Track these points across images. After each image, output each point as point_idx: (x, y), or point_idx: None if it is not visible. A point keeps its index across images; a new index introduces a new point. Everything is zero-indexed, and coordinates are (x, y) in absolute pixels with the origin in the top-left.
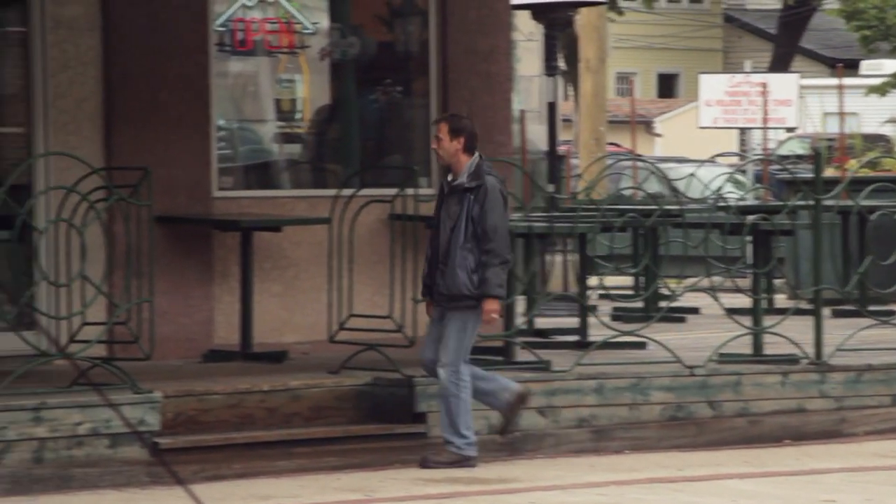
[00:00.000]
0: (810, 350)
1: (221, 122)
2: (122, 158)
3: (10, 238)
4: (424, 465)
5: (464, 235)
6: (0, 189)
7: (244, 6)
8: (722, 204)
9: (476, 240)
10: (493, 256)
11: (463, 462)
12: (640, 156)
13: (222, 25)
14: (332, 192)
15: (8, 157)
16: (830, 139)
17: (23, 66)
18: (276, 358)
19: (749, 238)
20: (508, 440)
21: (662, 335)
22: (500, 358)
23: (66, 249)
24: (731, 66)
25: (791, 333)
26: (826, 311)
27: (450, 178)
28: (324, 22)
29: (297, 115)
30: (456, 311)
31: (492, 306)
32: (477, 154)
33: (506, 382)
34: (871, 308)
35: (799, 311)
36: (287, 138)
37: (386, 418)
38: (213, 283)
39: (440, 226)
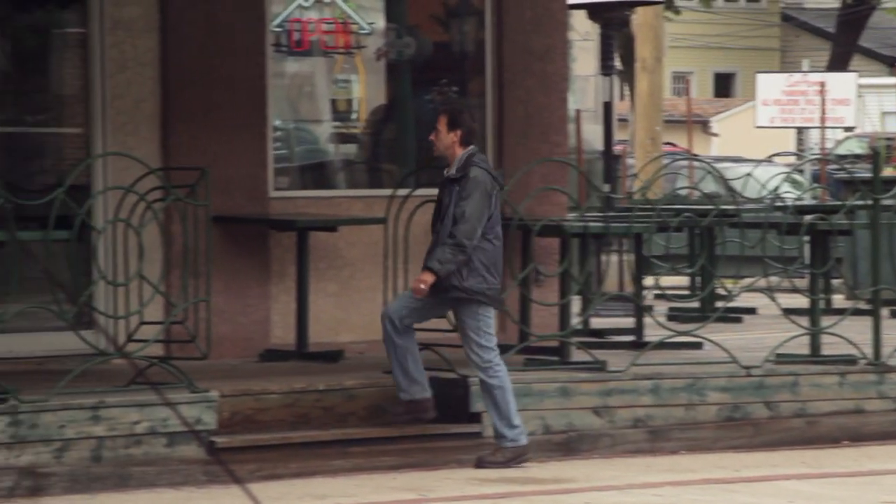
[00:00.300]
0: (868, 351)
1: (278, 123)
2: (179, 159)
3: (70, 238)
4: (481, 465)
5: (451, 227)
6: (59, 189)
7: (301, 7)
8: (779, 204)
9: None
10: (451, 237)
11: (520, 455)
12: (696, 155)
13: (279, 26)
14: (387, 191)
15: (67, 157)
16: (889, 138)
17: (82, 66)
18: (331, 357)
19: (806, 238)
20: (563, 440)
21: (719, 335)
22: (555, 358)
23: (124, 249)
24: (788, 66)
25: (849, 334)
26: (884, 312)
27: (445, 170)
28: (380, 22)
29: (353, 116)
30: (460, 306)
31: (424, 277)
32: (471, 147)
33: (423, 384)
34: None
35: (857, 312)
36: (343, 138)
37: (441, 418)
38: (269, 283)
39: (434, 217)
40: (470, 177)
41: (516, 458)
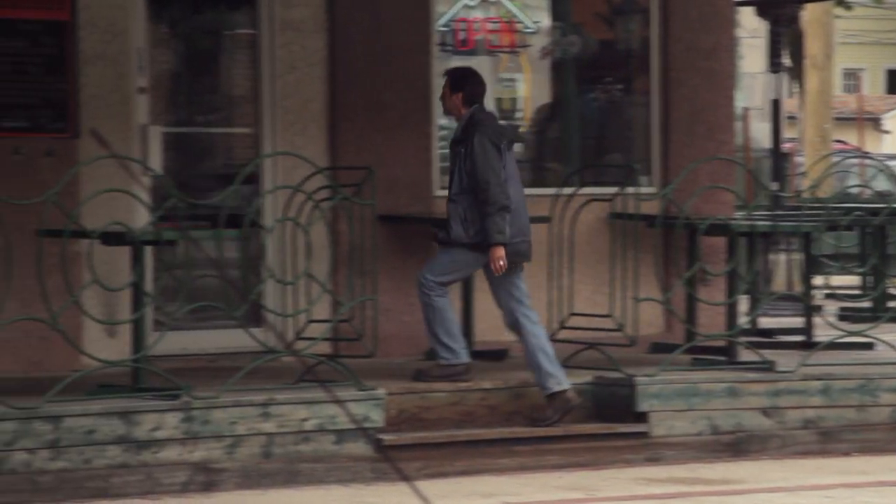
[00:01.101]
0: None
1: (443, 122)
2: (345, 158)
3: (239, 236)
4: (417, 378)
5: (457, 187)
6: (229, 188)
7: (466, 6)
8: None
9: (467, 192)
10: (488, 205)
11: (456, 374)
12: (867, 153)
13: (444, 25)
14: (552, 190)
15: (237, 157)
16: None
17: (252, 67)
18: (497, 356)
19: None
20: (731, 440)
21: (891, 336)
22: (722, 358)
23: (293, 248)
24: None
25: None
26: None
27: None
28: (545, 21)
29: (518, 114)
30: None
31: (496, 253)
32: (475, 106)
33: (559, 376)
34: None
35: None
36: None
37: (607, 417)
38: None
39: (450, 183)
40: (474, 141)
41: (451, 375)
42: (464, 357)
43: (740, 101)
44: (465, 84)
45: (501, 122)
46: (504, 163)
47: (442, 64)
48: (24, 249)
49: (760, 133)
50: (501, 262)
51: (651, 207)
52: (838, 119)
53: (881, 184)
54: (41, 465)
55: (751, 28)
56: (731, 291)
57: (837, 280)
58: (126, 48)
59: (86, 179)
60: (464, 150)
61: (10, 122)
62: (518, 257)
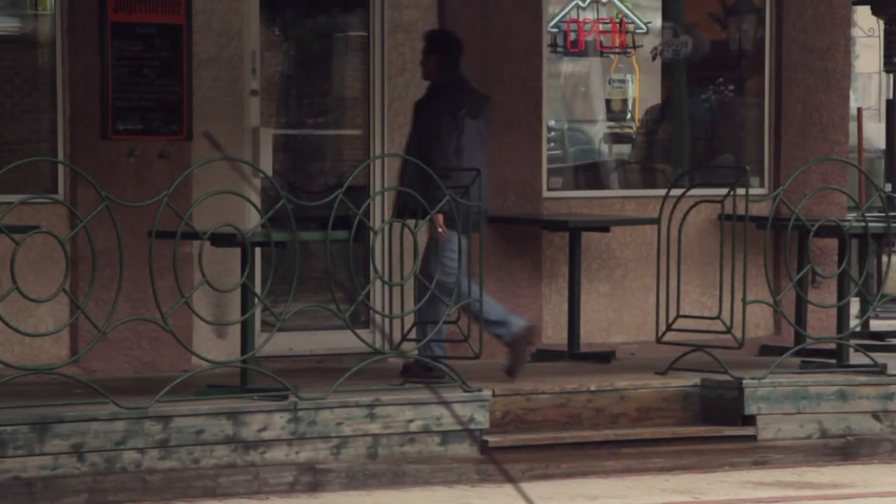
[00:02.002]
0: None
1: (552, 123)
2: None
3: (348, 238)
4: (510, 373)
5: (414, 151)
6: (338, 190)
7: (578, 6)
8: None
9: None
10: (429, 173)
11: (524, 337)
12: None
13: (555, 27)
14: (661, 192)
15: (347, 158)
16: None
17: (362, 69)
18: (603, 358)
19: None
20: (840, 444)
21: None
22: (832, 361)
23: (400, 249)
24: None
25: None
26: None
27: None
28: (656, 21)
29: (628, 115)
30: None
31: (438, 220)
32: (453, 75)
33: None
34: None
35: None
36: (617, 138)
37: (714, 420)
38: (541, 283)
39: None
40: (433, 104)
41: (520, 341)
42: (517, 323)
43: (855, 101)
44: (441, 48)
45: (475, 92)
46: (459, 132)
47: (553, 65)
48: (136, 250)
49: (875, 133)
50: (441, 230)
51: (761, 209)
52: None
53: None
54: (151, 464)
55: (866, 27)
56: (842, 294)
57: None
58: (240, 51)
59: (197, 181)
60: (424, 114)
61: (124, 125)
62: (470, 226)
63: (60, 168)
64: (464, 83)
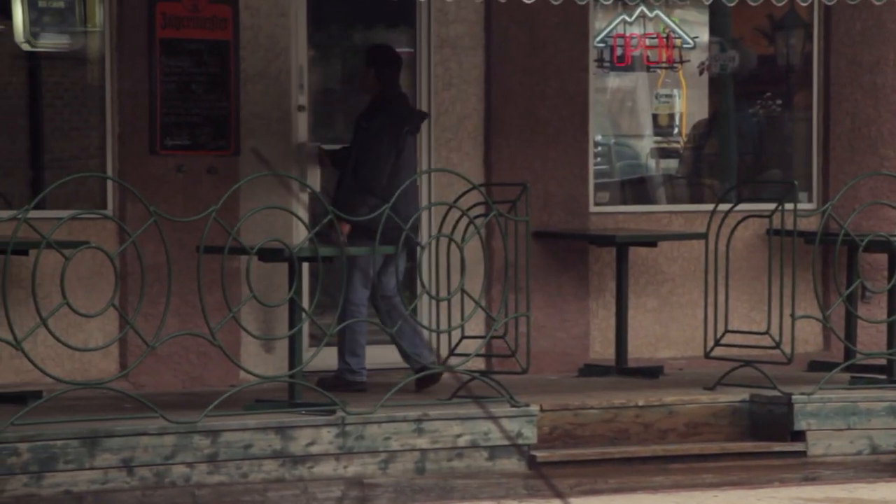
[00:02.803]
0: None
1: (598, 138)
2: (500, 174)
3: (394, 252)
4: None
5: (354, 162)
6: (385, 206)
7: (625, 21)
8: None
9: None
10: (357, 183)
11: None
12: None
13: (601, 41)
14: (708, 206)
15: None
16: None
17: (409, 84)
18: (651, 373)
19: None
20: (891, 460)
21: None
22: (883, 376)
23: (447, 264)
24: None
25: None
26: None
27: None
28: (703, 36)
29: (675, 130)
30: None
31: (343, 227)
32: (392, 88)
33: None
34: None
35: None
36: (664, 153)
37: (763, 436)
38: (588, 298)
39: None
40: (376, 119)
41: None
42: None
43: None
44: (380, 62)
45: (412, 108)
46: (399, 149)
47: (599, 80)
48: (184, 265)
49: None
50: (343, 238)
51: (809, 224)
52: None
53: None
54: (200, 478)
55: None
56: (893, 309)
57: None
58: (287, 67)
59: (245, 196)
60: (365, 127)
61: (173, 141)
62: (396, 243)
63: (109, 184)
64: (405, 99)
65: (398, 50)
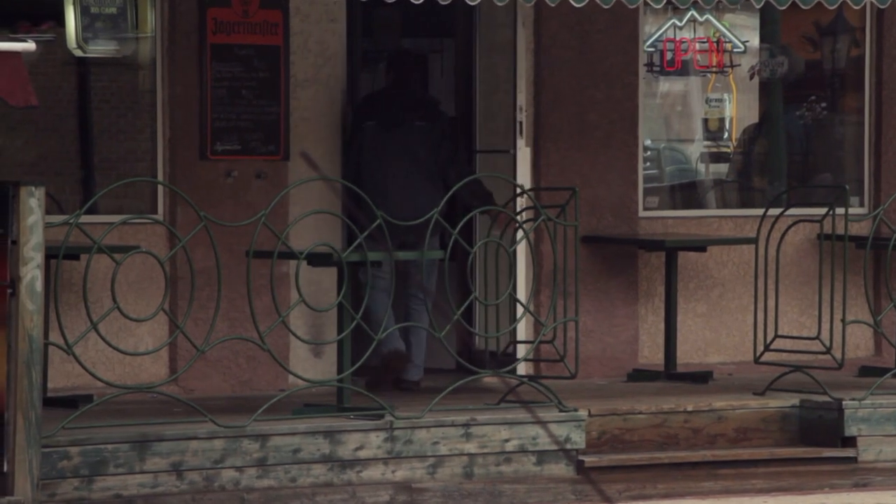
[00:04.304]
0: None
1: (648, 142)
2: (549, 178)
3: (444, 257)
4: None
5: None
6: (433, 210)
7: (675, 26)
8: None
9: None
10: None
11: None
12: None
13: (651, 46)
14: (758, 211)
15: None
16: None
17: (455, 88)
18: (700, 378)
19: None
20: None
21: None
22: None
23: (496, 268)
24: None
25: None
26: None
27: None
28: (754, 40)
29: (725, 135)
30: None
31: None
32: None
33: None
34: None
35: None
36: (713, 157)
37: (812, 441)
38: (637, 303)
39: None
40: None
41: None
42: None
43: None
44: (389, 64)
45: (403, 101)
46: (363, 143)
47: (649, 85)
48: (234, 270)
49: None
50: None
51: (860, 228)
52: None
53: None
54: (249, 482)
55: None
56: None
57: None
58: (336, 72)
59: (294, 201)
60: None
61: (223, 146)
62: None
63: (160, 188)
64: (400, 94)
65: (445, 54)
